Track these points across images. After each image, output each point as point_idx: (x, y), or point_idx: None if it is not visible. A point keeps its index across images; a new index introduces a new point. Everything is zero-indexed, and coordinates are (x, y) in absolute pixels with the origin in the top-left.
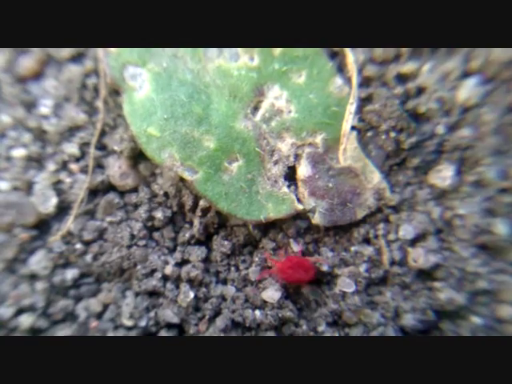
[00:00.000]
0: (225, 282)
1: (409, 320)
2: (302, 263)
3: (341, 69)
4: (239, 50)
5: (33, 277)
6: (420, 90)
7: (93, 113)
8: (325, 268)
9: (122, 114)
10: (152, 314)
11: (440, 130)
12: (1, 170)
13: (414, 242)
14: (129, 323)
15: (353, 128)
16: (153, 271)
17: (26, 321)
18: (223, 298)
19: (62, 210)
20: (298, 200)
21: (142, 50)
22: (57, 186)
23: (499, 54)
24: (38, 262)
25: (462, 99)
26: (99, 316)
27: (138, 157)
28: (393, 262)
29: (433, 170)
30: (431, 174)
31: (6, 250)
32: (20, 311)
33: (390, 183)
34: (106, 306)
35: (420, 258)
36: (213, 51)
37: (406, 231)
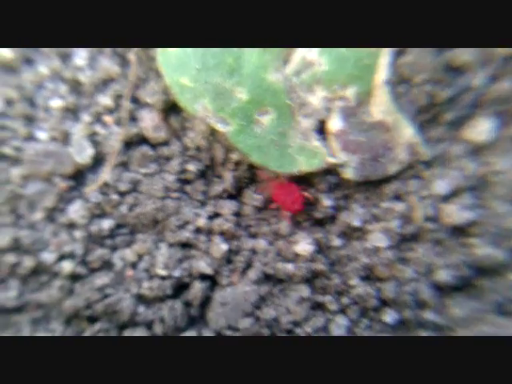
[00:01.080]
0: (255, 235)
1: (442, 275)
2: (292, 193)
3: None
4: None
5: (71, 225)
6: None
7: (125, 65)
8: (356, 223)
9: (154, 67)
10: (185, 264)
11: (477, 82)
12: (39, 120)
13: (447, 198)
14: (163, 273)
15: (385, 81)
16: (186, 223)
17: (67, 267)
18: (254, 251)
19: (98, 161)
20: (330, 154)
21: None
22: (92, 138)
23: None
24: (75, 211)
25: (503, 50)
26: (134, 266)
27: (169, 110)
28: (425, 219)
29: (468, 124)
30: (466, 128)
31: (46, 199)
32: (61, 257)
33: (422, 138)
34: (140, 256)
35: (454, 214)
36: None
37: (439, 187)
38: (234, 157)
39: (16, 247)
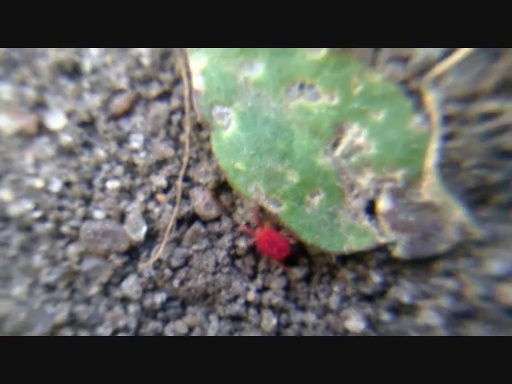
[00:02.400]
0: (304, 309)
1: None
2: (277, 241)
3: (419, 106)
4: (319, 89)
5: (125, 300)
6: (505, 128)
7: (178, 147)
8: (405, 299)
9: (205, 148)
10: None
11: None
12: (96, 200)
13: (502, 278)
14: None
15: (435, 165)
16: (236, 297)
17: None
18: (303, 324)
19: (151, 237)
20: (379, 233)
21: (228, 91)
22: (146, 215)
23: None
24: (129, 286)
25: None
26: (185, 338)
27: (220, 188)
28: (479, 297)
29: None
30: None
31: (101, 275)
32: (116, 331)
33: (473, 218)
34: (191, 329)
35: (510, 294)
36: (293, 91)
37: (493, 267)
38: (283, 233)
39: (72, 322)
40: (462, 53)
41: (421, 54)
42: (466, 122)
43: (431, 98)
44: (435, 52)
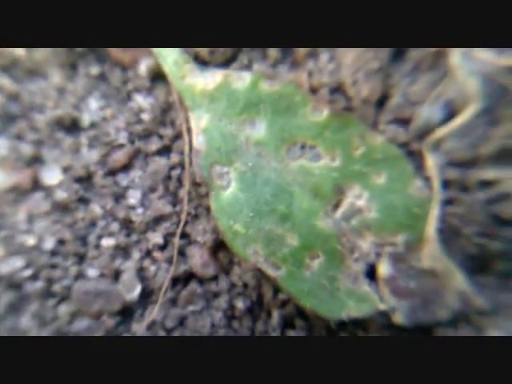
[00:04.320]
0: None
1: None
2: None
3: (420, 169)
4: (321, 150)
5: None
6: (503, 197)
7: (176, 203)
8: None
9: (203, 204)
10: None
11: None
12: (90, 258)
13: None
14: None
15: (435, 231)
16: None
17: None
18: None
19: (145, 296)
20: (380, 298)
21: (229, 150)
22: (141, 274)
23: None
24: None
25: None
26: None
27: (218, 246)
28: None
29: None
30: None
31: (94, 335)
32: None
33: (473, 286)
34: None
35: None
36: (295, 151)
37: (492, 335)
38: (282, 295)
39: None
40: (462, 117)
41: (422, 116)
42: (466, 188)
43: (432, 162)
44: (436, 115)
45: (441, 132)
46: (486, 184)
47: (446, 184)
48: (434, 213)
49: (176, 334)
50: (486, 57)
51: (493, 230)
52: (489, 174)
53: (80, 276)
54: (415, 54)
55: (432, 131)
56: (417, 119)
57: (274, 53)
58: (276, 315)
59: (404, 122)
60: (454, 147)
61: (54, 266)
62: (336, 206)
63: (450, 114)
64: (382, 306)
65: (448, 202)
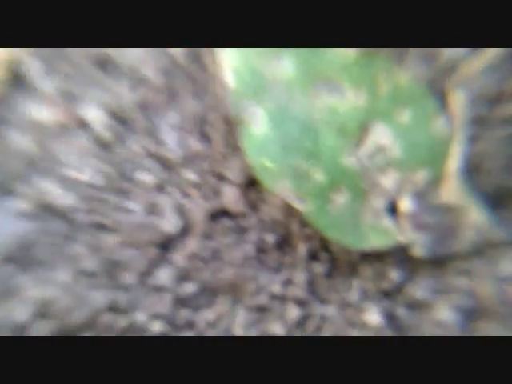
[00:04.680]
0: (325, 302)
1: None
2: None
3: (445, 108)
4: (346, 88)
5: (160, 289)
6: None
7: (210, 143)
8: (421, 296)
9: (235, 145)
10: (261, 326)
11: None
12: (133, 193)
13: None
14: (241, 332)
15: (457, 168)
16: (262, 289)
17: (156, 326)
18: (324, 317)
19: (184, 231)
20: (400, 232)
21: (258, 88)
22: (180, 209)
23: None
24: (164, 275)
25: None
26: (214, 325)
27: (249, 184)
28: (492, 297)
29: None
30: None
31: (138, 264)
32: (152, 317)
33: (492, 220)
34: (220, 317)
35: None
36: (321, 89)
37: (506, 267)
38: (308, 230)
39: (112, 308)
40: (490, 53)
41: (447, 53)
42: (490, 126)
43: (457, 99)
44: (461, 52)
45: (468, 68)
46: (509, 121)
47: (469, 121)
48: (456, 150)
49: (212, 265)
50: None
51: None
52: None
53: (124, 210)
54: None
55: (457, 68)
56: (442, 56)
57: None
58: (302, 249)
59: (429, 59)
60: (481, 83)
61: (101, 200)
62: (361, 143)
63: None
64: (402, 239)
65: (471, 140)
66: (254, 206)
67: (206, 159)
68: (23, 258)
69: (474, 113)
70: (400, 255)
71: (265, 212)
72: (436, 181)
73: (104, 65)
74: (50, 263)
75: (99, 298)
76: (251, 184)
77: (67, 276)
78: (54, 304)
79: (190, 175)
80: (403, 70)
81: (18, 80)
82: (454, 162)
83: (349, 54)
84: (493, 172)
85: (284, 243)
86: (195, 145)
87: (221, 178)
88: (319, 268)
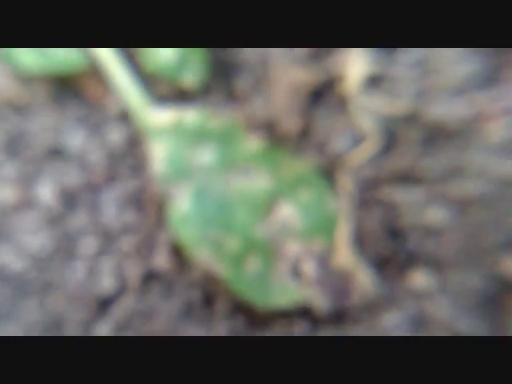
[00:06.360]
0: None
1: None
2: None
3: (335, 189)
4: (256, 172)
5: None
6: (398, 211)
7: (144, 215)
8: None
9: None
10: None
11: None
12: (78, 258)
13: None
14: None
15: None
16: None
17: None
18: None
19: (121, 289)
20: (303, 292)
21: (184, 174)
22: (117, 271)
23: None
24: (104, 327)
25: None
26: None
27: (176, 251)
28: None
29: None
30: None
31: (81, 318)
32: None
33: (376, 280)
34: None
35: None
36: (235, 173)
37: (387, 319)
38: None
39: None
40: (369, 145)
41: (335, 146)
42: (370, 205)
43: (345, 183)
44: (347, 144)
45: (351, 158)
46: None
47: (355, 201)
48: (346, 224)
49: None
50: (381, 102)
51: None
52: (385, 193)
53: (70, 270)
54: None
55: (344, 158)
56: (331, 148)
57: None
58: (224, 306)
59: (322, 150)
60: (361, 170)
61: (50, 263)
62: (269, 217)
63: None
64: (304, 298)
65: (357, 215)
66: (181, 269)
67: (141, 229)
68: None
69: (358, 194)
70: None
71: (191, 274)
72: (331, 248)
73: (55, 152)
74: (2, 319)
75: None
76: (178, 251)
77: (18, 330)
78: None
79: (127, 242)
80: (302, 158)
81: None
82: (344, 233)
83: (257, 145)
84: (374, 242)
85: (208, 301)
86: (131, 216)
87: (152, 245)
88: (239, 322)
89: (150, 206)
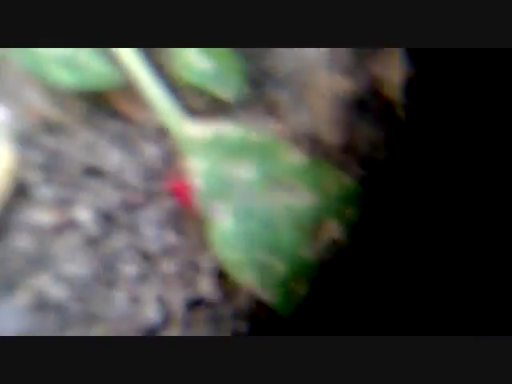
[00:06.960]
0: None
1: None
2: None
3: None
4: (300, 188)
5: None
6: None
7: (185, 236)
8: None
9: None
10: None
11: None
12: (118, 284)
13: None
14: None
15: None
16: None
17: None
18: None
19: (165, 319)
20: None
21: (224, 191)
22: (160, 299)
23: None
24: None
25: None
26: None
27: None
28: None
29: None
30: None
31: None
32: None
33: None
34: None
35: None
36: (278, 190)
37: None
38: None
39: None
40: None
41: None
42: None
43: None
44: None
45: None
46: None
47: None
48: None
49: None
50: None
51: None
52: None
53: (111, 300)
54: None
55: None
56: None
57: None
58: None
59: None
60: None
61: (90, 292)
62: (315, 238)
63: None
64: None
65: None
66: (226, 294)
67: (182, 250)
68: None
69: None
70: None
71: (237, 300)
72: None
73: (91, 172)
74: None
75: None
76: (223, 274)
77: None
78: None
79: (168, 266)
80: (347, 172)
81: (20, 188)
82: None
83: (300, 160)
84: None
85: (256, 330)
86: (171, 238)
87: (195, 268)
88: None
89: (190, 225)
